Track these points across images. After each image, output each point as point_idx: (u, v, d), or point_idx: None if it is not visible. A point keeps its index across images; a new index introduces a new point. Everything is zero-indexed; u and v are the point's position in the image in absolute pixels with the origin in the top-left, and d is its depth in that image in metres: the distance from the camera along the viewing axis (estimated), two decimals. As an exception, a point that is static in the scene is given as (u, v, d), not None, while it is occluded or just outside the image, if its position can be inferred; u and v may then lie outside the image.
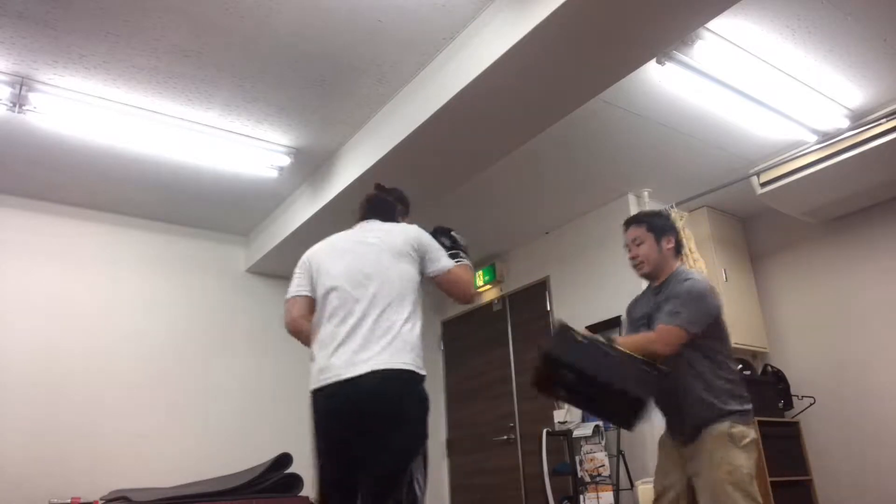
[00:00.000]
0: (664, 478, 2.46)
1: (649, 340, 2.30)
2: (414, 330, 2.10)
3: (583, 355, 2.20)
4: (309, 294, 2.27)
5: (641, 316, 2.56)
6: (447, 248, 2.33)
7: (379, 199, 2.45)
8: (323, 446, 2.06)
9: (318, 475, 2.06)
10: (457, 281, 2.26)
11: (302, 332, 2.25)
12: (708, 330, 2.35)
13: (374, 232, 2.28)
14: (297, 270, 2.34)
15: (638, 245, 2.56)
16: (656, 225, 2.57)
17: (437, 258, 2.25)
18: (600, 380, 2.18)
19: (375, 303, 2.09)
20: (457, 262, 2.30)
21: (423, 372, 2.06)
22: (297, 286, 2.30)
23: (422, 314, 2.17)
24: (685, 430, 2.38)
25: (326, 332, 2.11)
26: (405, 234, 2.26)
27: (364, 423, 1.97)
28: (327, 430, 2.06)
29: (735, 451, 2.22)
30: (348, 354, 2.01)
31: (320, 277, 2.22)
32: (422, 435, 2.04)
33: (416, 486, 1.95)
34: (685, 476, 2.38)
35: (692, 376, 2.34)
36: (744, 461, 2.22)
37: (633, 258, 2.58)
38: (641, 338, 2.35)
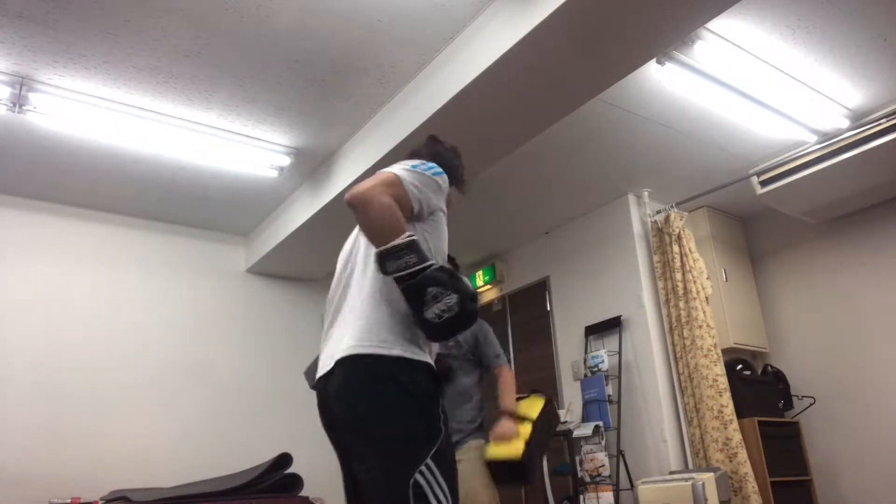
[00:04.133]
0: None
1: (512, 389, 2.83)
2: (380, 307, 1.51)
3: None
4: None
5: None
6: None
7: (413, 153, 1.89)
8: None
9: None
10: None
11: None
12: None
13: None
14: None
15: None
16: None
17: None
18: None
19: (350, 281, 1.64)
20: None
21: (398, 353, 1.45)
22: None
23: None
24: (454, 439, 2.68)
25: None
26: None
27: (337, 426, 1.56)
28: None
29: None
30: (326, 348, 1.61)
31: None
32: (403, 436, 1.41)
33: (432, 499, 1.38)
34: None
35: (476, 393, 2.81)
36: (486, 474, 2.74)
37: None
38: (512, 391, 2.83)
